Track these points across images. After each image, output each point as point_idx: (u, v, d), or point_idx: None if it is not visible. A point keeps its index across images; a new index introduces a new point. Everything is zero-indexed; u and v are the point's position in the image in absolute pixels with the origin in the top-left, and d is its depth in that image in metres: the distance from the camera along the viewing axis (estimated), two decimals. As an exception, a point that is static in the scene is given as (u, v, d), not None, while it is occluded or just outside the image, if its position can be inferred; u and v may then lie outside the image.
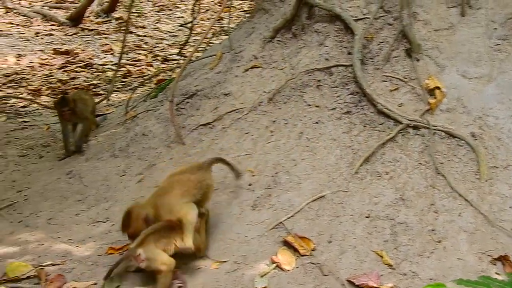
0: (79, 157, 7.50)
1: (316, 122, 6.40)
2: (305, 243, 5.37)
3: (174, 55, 13.81)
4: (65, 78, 12.11)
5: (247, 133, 6.62)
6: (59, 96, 7.97)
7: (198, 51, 9.49)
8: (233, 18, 12.67)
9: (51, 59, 13.44)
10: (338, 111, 6.42)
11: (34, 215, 6.50)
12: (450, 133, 5.94)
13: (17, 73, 12.33)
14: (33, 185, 7.04)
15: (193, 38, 13.34)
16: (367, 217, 5.53)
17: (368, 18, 6.84)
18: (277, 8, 7.73)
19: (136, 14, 17.45)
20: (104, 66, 13.02)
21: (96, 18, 17.08)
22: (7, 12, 17.19)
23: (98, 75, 12.46)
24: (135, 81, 11.76)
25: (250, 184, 6.09)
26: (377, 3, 6.89)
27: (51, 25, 16.27)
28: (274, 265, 5.24)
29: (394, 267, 5.15)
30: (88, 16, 16.97)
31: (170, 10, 18.72)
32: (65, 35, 15.63)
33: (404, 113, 6.12)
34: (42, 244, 5.94)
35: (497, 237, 5.33)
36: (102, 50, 14.31)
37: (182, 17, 17.89)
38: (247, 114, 6.77)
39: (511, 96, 6.19)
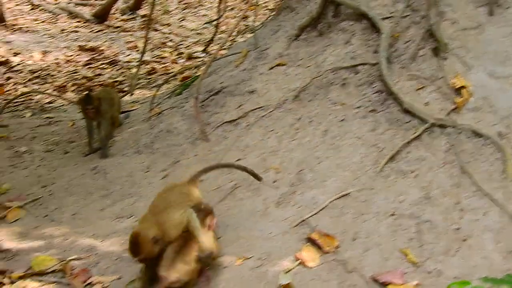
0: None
1: (341, 120, 6.39)
2: (329, 240, 5.36)
3: (199, 53, 13.83)
4: (90, 75, 12.18)
5: (271, 130, 6.61)
6: (84, 94, 7.97)
7: (223, 49, 9.49)
8: (259, 16, 12.63)
9: (76, 55, 13.52)
10: (363, 109, 6.40)
11: (59, 210, 6.54)
12: (477, 132, 5.90)
13: (42, 70, 12.41)
14: (58, 180, 7.08)
15: (218, 36, 13.36)
16: (391, 215, 5.51)
17: (395, 16, 6.83)
18: (303, 6, 7.73)
19: (161, 11, 17.50)
20: (129, 63, 13.08)
21: (122, 16, 17.18)
22: (33, 9, 17.33)
23: (123, 72, 12.52)
24: (159, 78, 11.79)
25: (274, 181, 6.08)
26: (404, 2, 6.87)
27: (76, 22, 16.37)
28: (298, 262, 5.23)
29: (419, 265, 5.12)
30: (114, 13, 17.06)
31: (195, 8, 18.78)
32: (91, 32, 15.73)
33: (430, 112, 6.10)
34: (67, 239, 5.98)
35: (522, 236, 5.30)
36: (127, 47, 14.38)
37: (206, 15, 17.93)
38: (271, 111, 6.76)
39: (539, 96, 6.15)
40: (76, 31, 15.60)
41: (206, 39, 14.47)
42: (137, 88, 10.71)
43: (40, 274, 5.46)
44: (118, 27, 16.20)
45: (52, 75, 12.05)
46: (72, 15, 16.83)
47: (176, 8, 18.59)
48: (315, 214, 5.62)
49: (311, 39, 7.24)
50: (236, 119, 6.91)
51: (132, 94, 10.10)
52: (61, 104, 10.16)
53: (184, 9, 18.56)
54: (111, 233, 6.00)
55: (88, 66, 12.84)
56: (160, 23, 16.54)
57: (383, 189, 5.72)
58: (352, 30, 7.00)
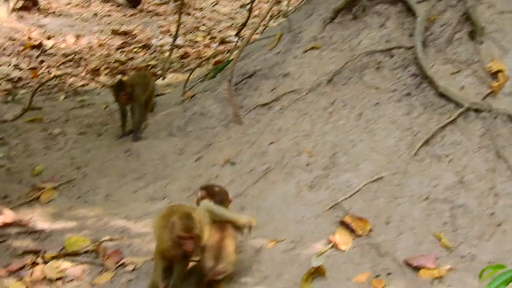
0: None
1: (376, 104, 6.35)
2: (362, 224, 5.34)
3: (231, 37, 13.81)
4: (123, 59, 12.21)
5: (305, 114, 6.59)
6: (117, 79, 7.97)
7: (256, 33, 9.47)
8: (292, 1, 12.61)
9: (109, 39, 13.56)
10: (398, 93, 6.36)
11: (92, 191, 6.59)
12: (513, 116, 5.86)
13: (75, 53, 12.47)
14: (91, 163, 7.12)
15: (251, 20, 13.32)
16: (425, 199, 5.48)
17: (431, 0, 6.76)
18: (338, -11, 7.69)
19: (194, -4, 17.51)
20: (162, 48, 13.10)
21: (155, 0, 17.17)
22: (66, -7, 17.38)
23: (155, 56, 12.54)
24: (192, 62, 11.79)
25: (307, 165, 6.07)
26: (440, -15, 6.81)
27: (109, 6, 16.39)
28: (331, 245, 5.23)
29: (452, 249, 5.10)
30: (147, -2, 17.09)
31: (229, -8, 18.75)
32: (124, 16, 15.76)
33: (465, 96, 6.04)
34: (100, 220, 6.04)
35: (558, 221, 5.25)
36: (160, 32, 14.39)
37: (239, -1, 17.90)
38: (305, 95, 6.73)
39: None
40: (109, 15, 15.64)
41: (239, 23, 14.44)
42: (169, 72, 10.72)
43: (73, 254, 5.52)
44: (150, 11, 16.22)
45: (85, 59, 12.11)
46: (105, -1, 16.89)
47: (209, -8, 18.58)
48: (349, 197, 5.61)
49: (346, 22, 7.19)
50: (269, 103, 6.88)
51: (164, 78, 10.12)
52: (95, 87, 10.20)
53: (217, -6, 18.55)
54: (144, 215, 6.04)
55: (121, 50, 12.88)
56: (193, 7, 16.54)
57: (417, 173, 5.69)
58: (387, 13, 6.95)
